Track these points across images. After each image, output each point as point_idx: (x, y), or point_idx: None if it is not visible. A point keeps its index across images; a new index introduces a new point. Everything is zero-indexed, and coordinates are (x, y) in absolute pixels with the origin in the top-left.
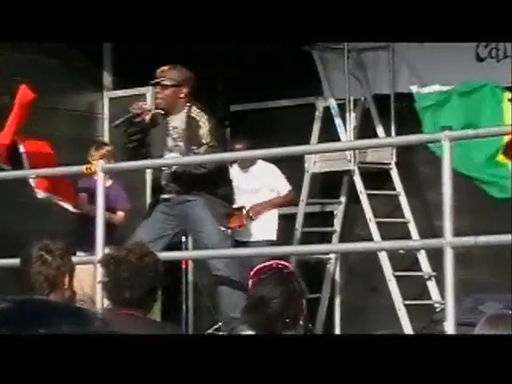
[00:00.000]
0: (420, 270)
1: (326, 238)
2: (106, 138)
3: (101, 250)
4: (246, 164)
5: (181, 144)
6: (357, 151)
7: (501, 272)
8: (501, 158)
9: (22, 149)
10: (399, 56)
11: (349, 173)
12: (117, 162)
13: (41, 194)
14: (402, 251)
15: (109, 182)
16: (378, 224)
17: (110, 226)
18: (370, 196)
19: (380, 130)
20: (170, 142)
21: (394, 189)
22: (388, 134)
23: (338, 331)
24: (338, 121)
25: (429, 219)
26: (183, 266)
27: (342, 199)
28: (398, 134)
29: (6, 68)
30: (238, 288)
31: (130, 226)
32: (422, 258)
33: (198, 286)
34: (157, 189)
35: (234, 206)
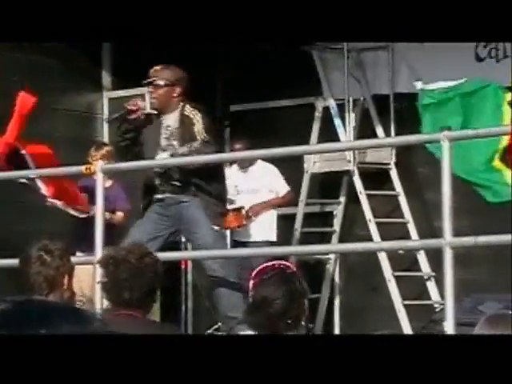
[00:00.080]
0: (419, 270)
1: (325, 239)
2: (106, 139)
3: (100, 250)
4: (245, 164)
5: (174, 143)
6: (356, 151)
7: (501, 272)
8: (497, 163)
9: (24, 151)
10: (399, 56)
11: (348, 173)
12: (116, 163)
13: (51, 201)
14: (401, 251)
15: (108, 183)
16: (378, 224)
17: (109, 227)
18: (369, 196)
19: (379, 131)
20: (163, 142)
21: (394, 189)
22: (387, 134)
23: (337, 331)
24: (337, 121)
25: (428, 219)
26: (182, 267)
27: (342, 199)
28: (398, 134)
29: (5, 68)
30: (234, 288)
31: (129, 226)
32: (422, 258)
33: (197, 287)
34: (150, 188)
35: (233, 206)
